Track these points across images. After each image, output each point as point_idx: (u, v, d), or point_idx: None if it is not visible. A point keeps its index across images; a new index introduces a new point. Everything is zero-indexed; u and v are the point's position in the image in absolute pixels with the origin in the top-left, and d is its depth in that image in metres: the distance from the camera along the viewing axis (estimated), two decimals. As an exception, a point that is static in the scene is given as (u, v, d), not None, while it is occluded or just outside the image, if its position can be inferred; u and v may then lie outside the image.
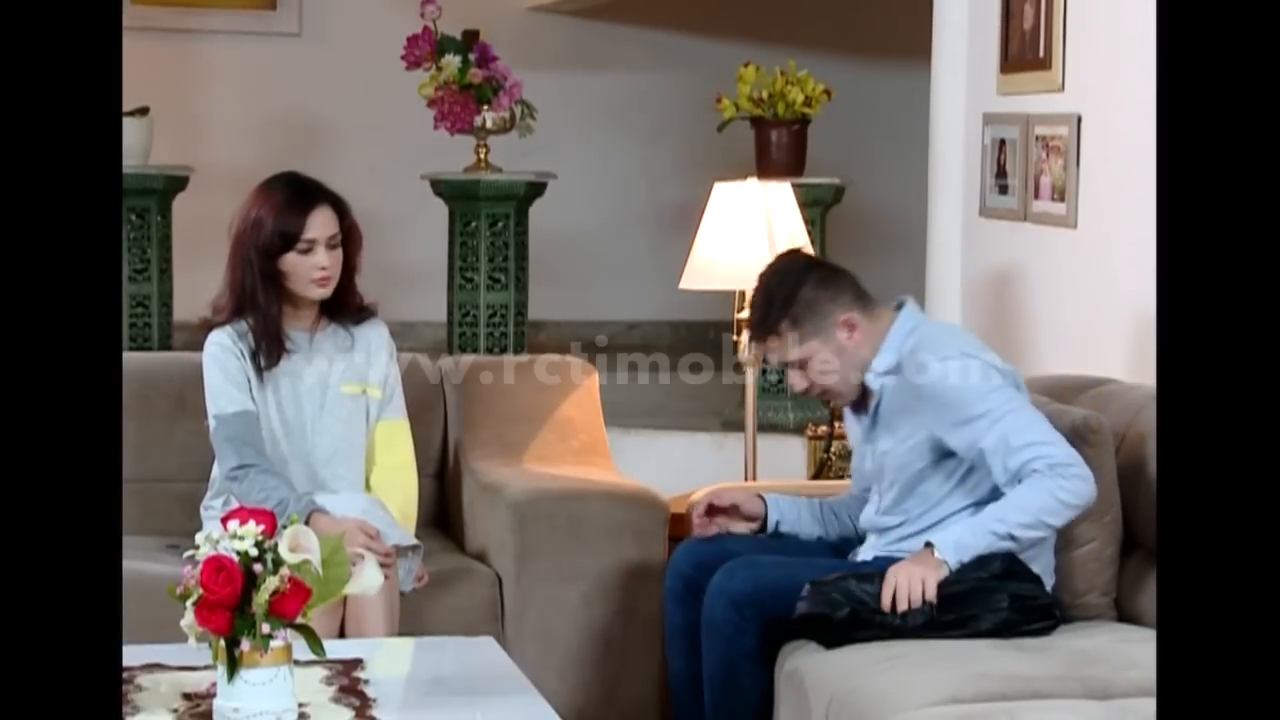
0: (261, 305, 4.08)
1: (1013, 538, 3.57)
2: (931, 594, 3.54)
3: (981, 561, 3.59)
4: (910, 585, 3.55)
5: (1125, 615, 3.79)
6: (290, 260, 4.07)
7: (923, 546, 3.62)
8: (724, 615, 3.67)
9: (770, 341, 3.78)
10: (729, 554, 3.78)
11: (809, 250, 3.81)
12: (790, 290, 3.74)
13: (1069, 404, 3.92)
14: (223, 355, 4.11)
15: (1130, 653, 3.45)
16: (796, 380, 3.79)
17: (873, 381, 3.75)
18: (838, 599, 3.57)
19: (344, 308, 4.20)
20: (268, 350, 4.11)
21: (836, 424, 5.68)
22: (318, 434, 4.16)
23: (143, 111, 7.18)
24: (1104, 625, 3.74)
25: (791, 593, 3.62)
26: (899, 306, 3.81)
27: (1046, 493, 3.54)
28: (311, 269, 4.07)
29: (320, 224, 4.08)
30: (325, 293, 4.12)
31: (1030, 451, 3.56)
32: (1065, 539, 3.76)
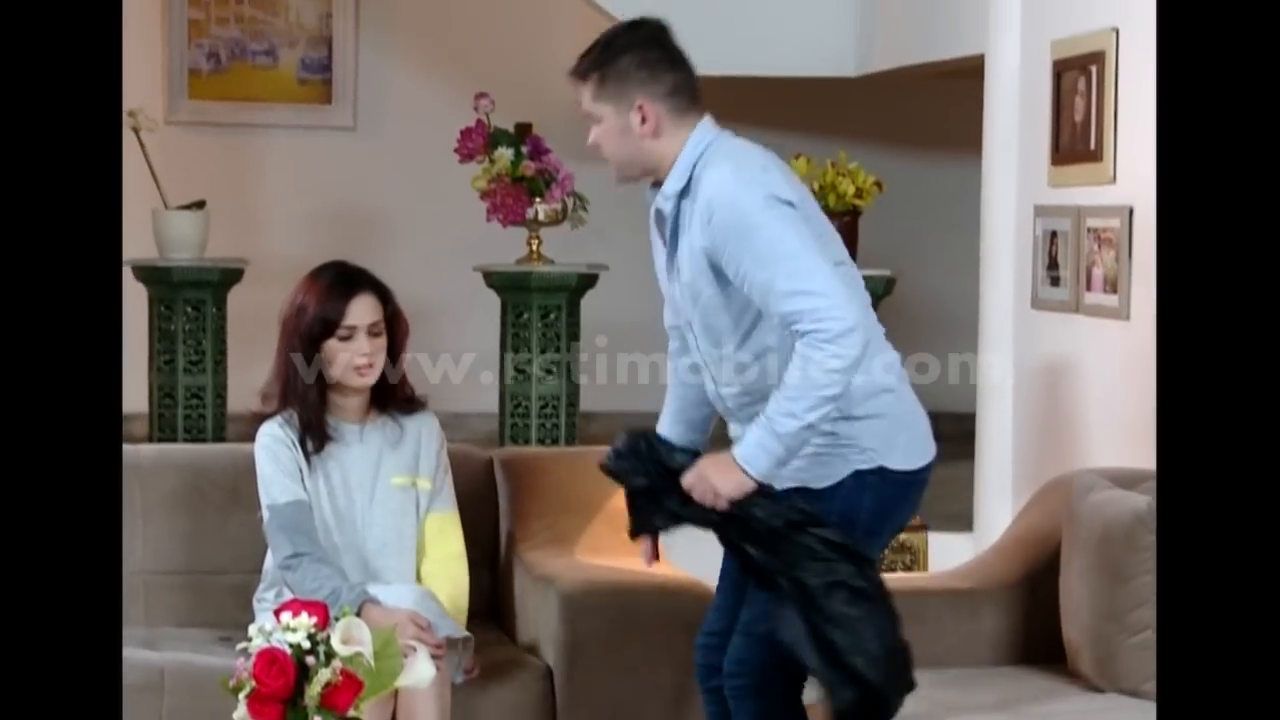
0: (302, 392, 4.10)
1: (810, 426, 3.43)
2: (722, 506, 3.51)
3: (779, 498, 3.52)
4: (704, 494, 3.52)
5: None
6: (332, 347, 4.09)
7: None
8: (755, 707, 3.64)
9: (577, 83, 3.64)
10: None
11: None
12: (617, 51, 3.60)
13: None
14: (275, 445, 4.12)
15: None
16: (590, 134, 3.68)
17: (664, 204, 3.63)
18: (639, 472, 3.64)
19: (393, 398, 4.21)
20: (312, 437, 4.12)
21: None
22: (368, 525, 4.16)
23: (199, 205, 7.25)
24: None
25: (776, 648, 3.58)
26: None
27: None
28: (353, 356, 4.09)
29: (361, 311, 4.10)
30: (367, 382, 4.13)
31: (796, 302, 3.42)
32: (1120, 626, 3.72)
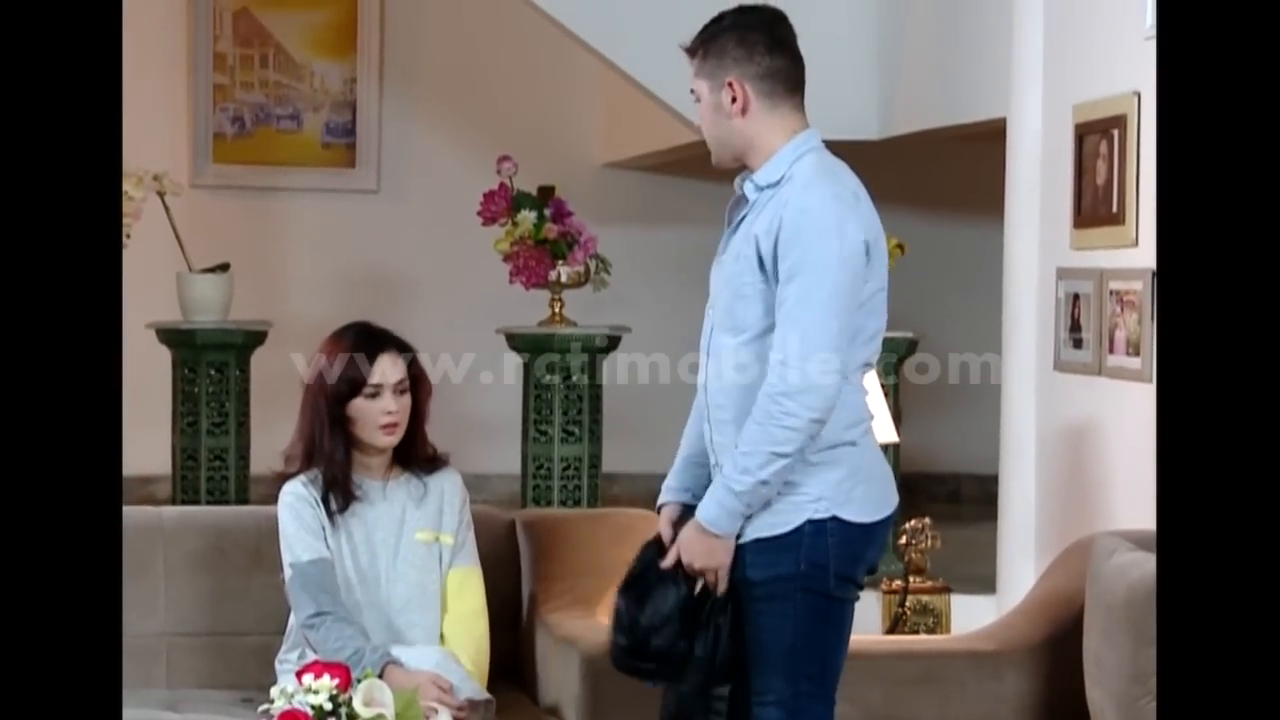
0: (328, 451, 4.12)
1: (765, 483, 3.48)
2: (723, 586, 3.55)
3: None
4: (704, 568, 3.55)
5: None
6: (358, 406, 4.11)
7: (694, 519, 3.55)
8: None
9: (689, 59, 3.68)
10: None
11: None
12: (722, 29, 3.64)
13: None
14: (297, 504, 4.13)
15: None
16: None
17: (751, 192, 3.63)
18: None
19: (416, 457, 4.23)
20: (336, 495, 4.13)
21: (912, 579, 5.65)
22: (392, 582, 4.16)
23: (223, 268, 7.28)
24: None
25: None
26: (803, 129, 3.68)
27: (772, 423, 3.45)
28: (379, 414, 4.11)
29: (387, 369, 4.12)
30: (392, 440, 4.15)
31: (787, 332, 3.47)
32: (1144, 689, 3.70)
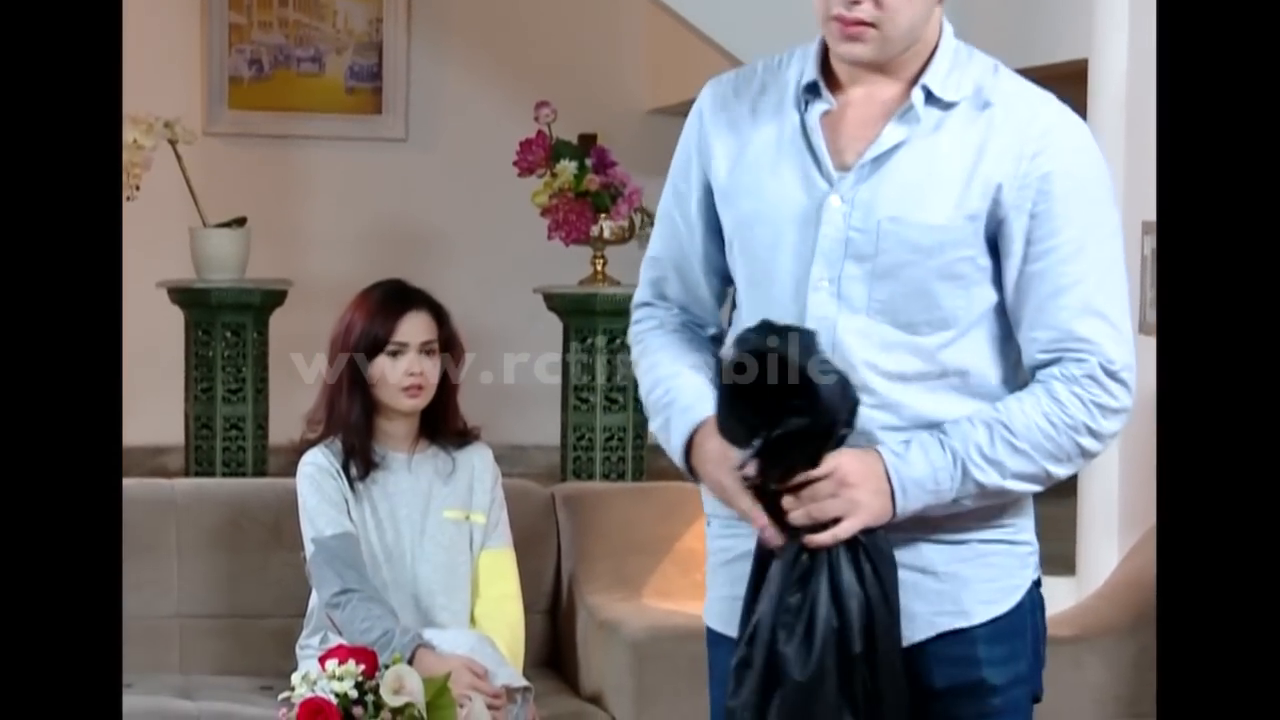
0: (344, 412, 4.12)
1: (1004, 492, 2.65)
2: (842, 533, 2.57)
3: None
4: (833, 506, 2.56)
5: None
6: (381, 364, 4.12)
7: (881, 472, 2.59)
8: None
9: None
10: None
11: None
12: None
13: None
14: (318, 475, 4.13)
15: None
16: (869, 6, 2.65)
17: (922, 110, 2.71)
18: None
19: (445, 428, 4.22)
20: (355, 462, 4.13)
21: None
22: (419, 561, 4.16)
23: (240, 222, 7.28)
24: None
25: None
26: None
27: (1072, 430, 2.69)
28: (402, 375, 4.11)
29: (414, 328, 4.13)
30: (416, 404, 4.14)
31: (1098, 328, 2.71)
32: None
